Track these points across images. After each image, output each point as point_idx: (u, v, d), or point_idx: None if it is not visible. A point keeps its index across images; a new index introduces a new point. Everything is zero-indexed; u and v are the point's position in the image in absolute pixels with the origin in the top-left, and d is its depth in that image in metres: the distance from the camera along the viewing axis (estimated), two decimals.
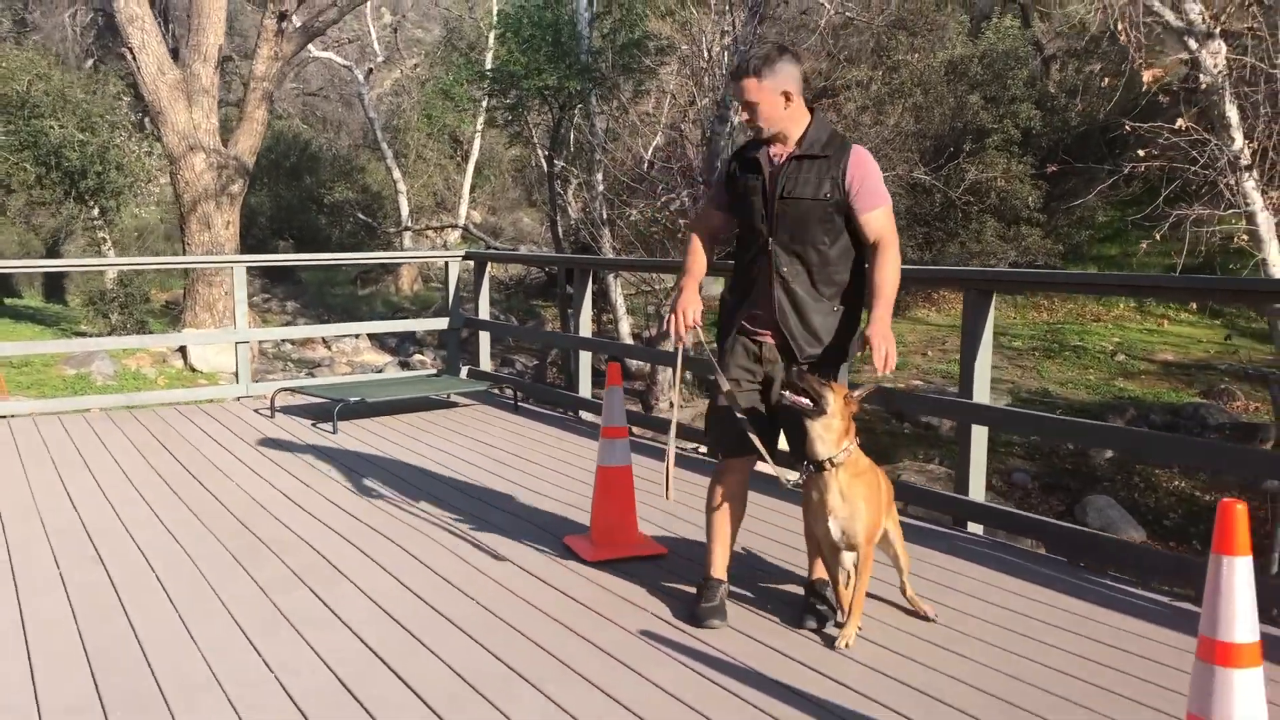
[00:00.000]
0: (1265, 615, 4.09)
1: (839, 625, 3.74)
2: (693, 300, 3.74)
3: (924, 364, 17.61)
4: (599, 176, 16.94)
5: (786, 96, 3.67)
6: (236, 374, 8.67)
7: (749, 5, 14.30)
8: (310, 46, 23.53)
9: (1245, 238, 9.04)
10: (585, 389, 7.88)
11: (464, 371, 9.19)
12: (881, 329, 3.53)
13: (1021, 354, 18.90)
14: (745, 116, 3.72)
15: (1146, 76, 9.04)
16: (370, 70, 28.21)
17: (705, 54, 15.85)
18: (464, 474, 6.11)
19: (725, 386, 3.79)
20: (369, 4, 25.69)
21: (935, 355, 18.64)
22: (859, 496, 3.56)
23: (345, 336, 19.72)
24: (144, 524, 5.11)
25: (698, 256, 3.91)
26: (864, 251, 3.73)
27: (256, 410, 8.12)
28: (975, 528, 4.97)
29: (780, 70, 3.66)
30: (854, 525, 3.56)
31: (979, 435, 4.90)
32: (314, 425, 7.54)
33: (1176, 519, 13.20)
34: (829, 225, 3.68)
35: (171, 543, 4.80)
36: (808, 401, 3.51)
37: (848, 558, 3.72)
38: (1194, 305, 17.74)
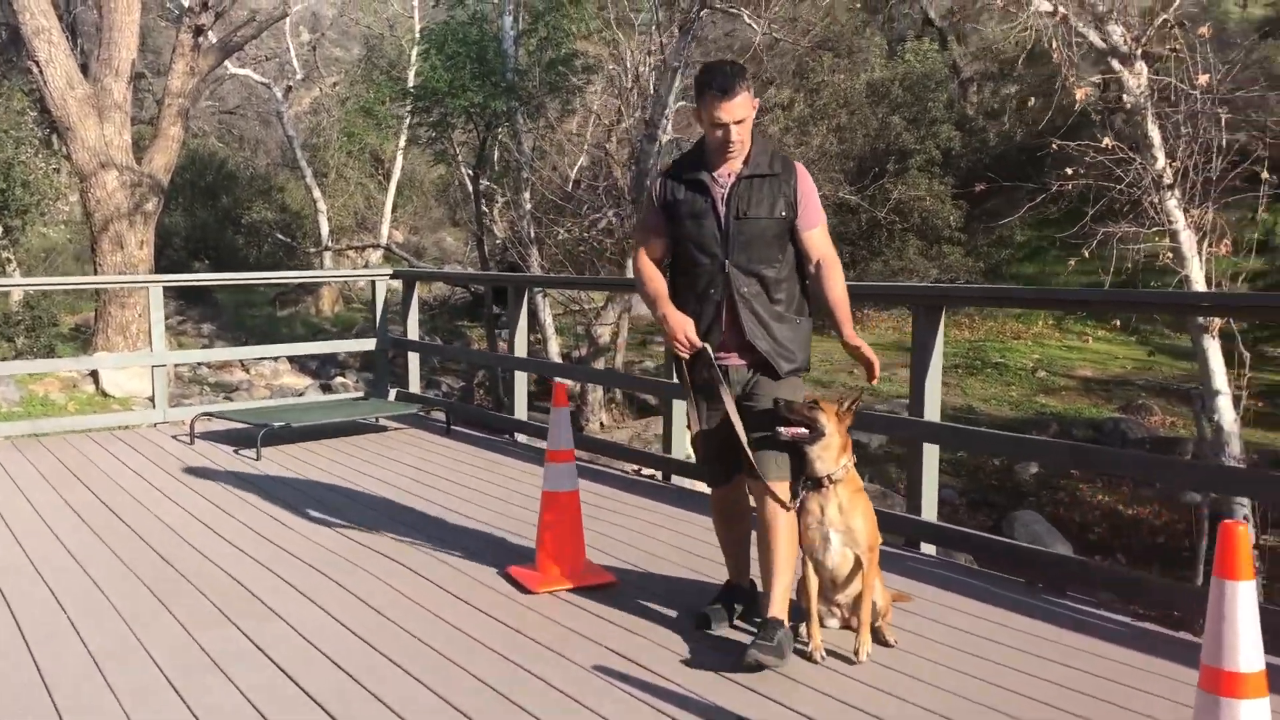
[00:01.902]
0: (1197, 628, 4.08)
1: (802, 653, 3.60)
2: (685, 319, 3.65)
3: (850, 382, 17.67)
4: (526, 195, 16.74)
5: (754, 109, 3.59)
6: (153, 399, 8.30)
7: (679, 25, 14.26)
8: (227, 63, 23.00)
9: (1170, 255, 9.17)
10: (521, 410, 7.68)
11: (392, 394, 8.92)
12: (857, 337, 3.62)
13: (944, 371, 19.05)
14: (724, 136, 3.54)
15: (1079, 94, 9.15)
16: (289, 88, 27.68)
17: (633, 73, 15.77)
18: (398, 501, 5.87)
19: (694, 428, 3.79)
20: (287, 21, 25.20)
21: (861, 374, 18.71)
22: (858, 510, 3.59)
23: (264, 359, 19.20)
24: (54, 560, 4.79)
25: (660, 282, 3.77)
26: (804, 267, 3.72)
27: (175, 437, 7.76)
28: (928, 548, 4.88)
29: (750, 82, 3.60)
30: (856, 536, 3.58)
31: (931, 454, 4.81)
32: (236, 452, 7.22)
33: (1100, 533, 13.37)
34: (781, 243, 3.65)
35: (85, 580, 4.50)
36: (804, 430, 3.54)
37: (841, 597, 3.71)
38: (1117, 323, 18.08)
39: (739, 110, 3.51)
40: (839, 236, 21.08)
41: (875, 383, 3.64)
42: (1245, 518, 9.55)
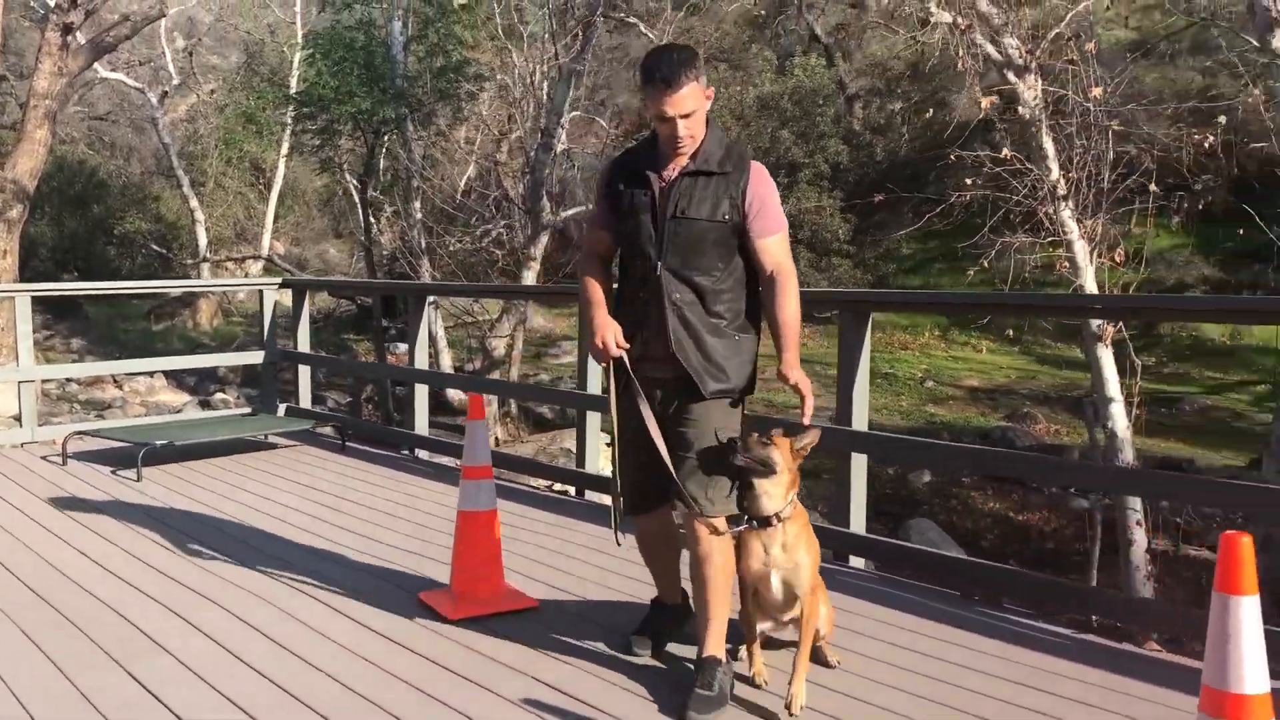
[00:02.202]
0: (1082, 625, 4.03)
1: (744, 677, 3.41)
2: (609, 322, 3.36)
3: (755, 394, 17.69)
4: (417, 204, 16.33)
5: (708, 99, 3.28)
6: (19, 417, 7.72)
7: (574, 34, 14.07)
8: (98, 66, 21.97)
9: (1066, 265, 9.32)
10: (422, 425, 7.35)
11: (281, 409, 8.48)
12: (796, 367, 3.27)
13: (836, 381, 19.23)
14: (670, 130, 3.23)
15: (985, 104, 9.24)
16: (165, 94, 26.63)
17: (526, 80, 15.53)
18: (295, 523, 5.50)
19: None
20: (163, 25, 24.23)
21: (764, 385, 18.76)
22: (802, 547, 3.31)
23: (139, 375, 18.32)
24: None
25: (596, 281, 3.49)
26: (756, 279, 3.40)
27: (45, 457, 7.21)
28: (857, 561, 4.75)
29: (703, 70, 3.27)
30: (798, 576, 3.30)
31: (859, 464, 4.69)
32: (114, 473, 6.72)
33: (992, 540, 13.59)
34: (724, 250, 3.32)
35: None
36: (756, 464, 3.25)
37: (788, 616, 3.45)
38: (1010, 333, 18.48)
39: (686, 103, 3.19)
40: None
41: (806, 421, 3.31)
42: (1138, 522, 9.75)
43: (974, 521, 14.33)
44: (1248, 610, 1.92)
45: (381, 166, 17.68)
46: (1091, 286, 9.48)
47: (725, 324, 3.34)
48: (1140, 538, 9.67)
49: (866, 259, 22.80)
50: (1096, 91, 8.96)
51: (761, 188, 3.32)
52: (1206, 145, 9.02)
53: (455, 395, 16.95)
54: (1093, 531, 10.79)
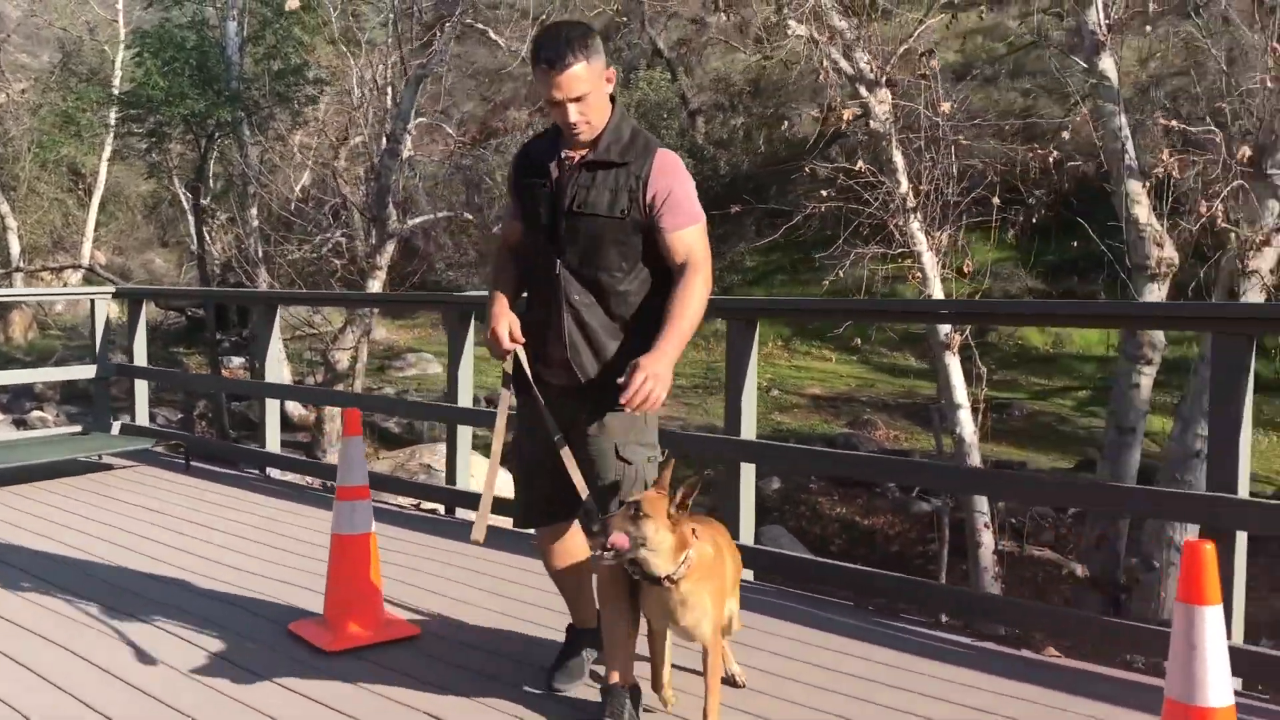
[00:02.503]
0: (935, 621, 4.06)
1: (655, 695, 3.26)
2: (504, 314, 3.11)
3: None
4: (253, 211, 15.64)
5: (608, 82, 3.05)
6: None
7: (421, 38, 13.73)
8: None
9: (918, 276, 9.54)
10: (274, 442, 6.95)
11: (116, 427, 7.90)
12: (656, 360, 2.87)
13: (685, 391, 19.42)
14: (562, 115, 2.98)
15: (846, 115, 9.38)
16: None
17: (369, 85, 15.06)
18: (143, 551, 5.07)
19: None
20: None
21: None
22: (704, 598, 2.99)
23: None
24: None
25: (504, 272, 3.26)
26: (669, 279, 3.07)
27: None
28: (746, 574, 4.67)
29: (599, 49, 3.02)
30: (700, 629, 3.01)
31: (748, 474, 4.61)
32: None
33: (841, 544, 13.83)
34: (625, 248, 3.05)
35: None
36: (625, 543, 2.85)
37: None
38: (858, 341, 18.94)
39: (576, 85, 2.92)
40: None
41: (631, 411, 2.88)
42: (985, 525, 10.06)
43: (823, 527, 14.58)
44: (1212, 621, 1.88)
45: (215, 172, 16.88)
46: (940, 297, 9.73)
47: (631, 330, 3.08)
48: (988, 539, 9.97)
49: (711, 272, 23.09)
50: (946, 107, 9.22)
51: (666, 178, 3.04)
52: (1051, 160, 9.39)
53: (295, 410, 16.30)
54: (941, 534, 11.08)
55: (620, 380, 2.86)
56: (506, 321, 3.10)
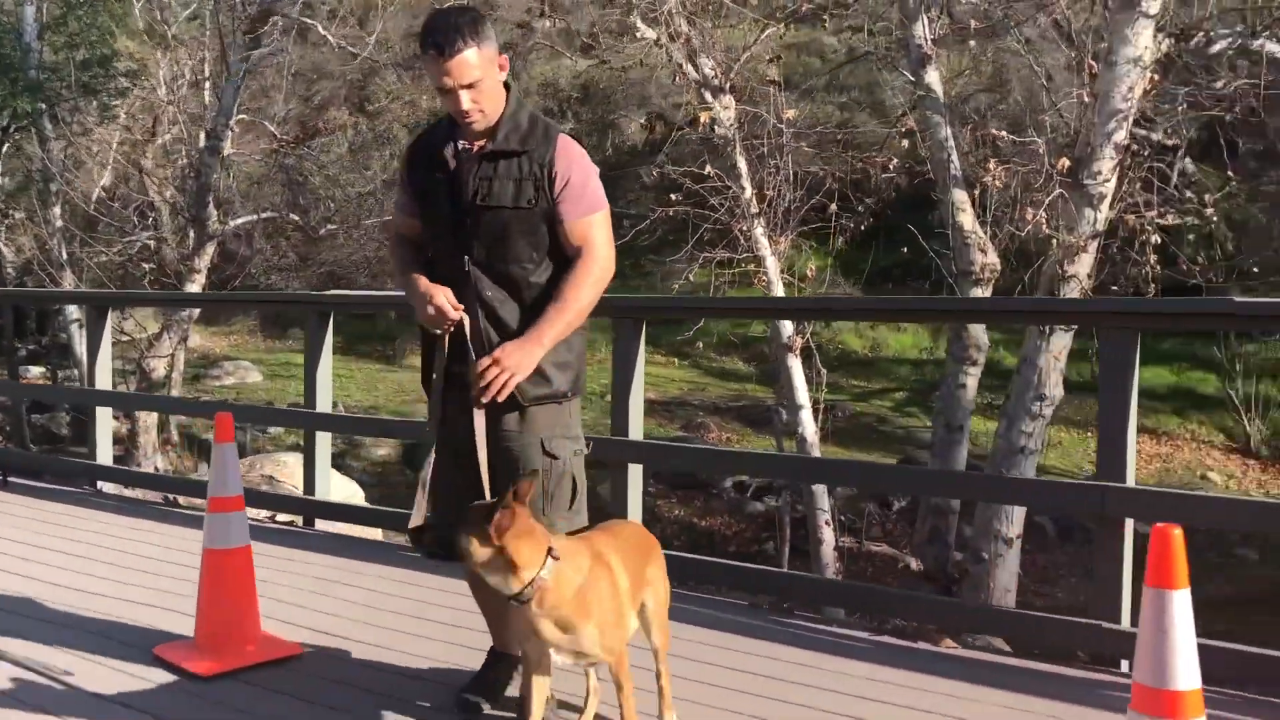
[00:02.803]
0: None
1: None
2: (438, 286, 2.92)
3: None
4: (56, 210, 14.61)
5: (501, 69, 2.93)
6: None
7: (244, 31, 13.10)
8: None
9: (764, 280, 9.70)
10: (105, 454, 6.45)
11: None
12: (517, 348, 2.83)
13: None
14: (453, 104, 2.87)
15: (704, 117, 9.43)
16: None
17: (183, 79, 14.29)
18: None
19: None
20: None
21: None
22: (584, 616, 2.68)
23: None
24: None
25: (412, 258, 3.08)
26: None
27: None
28: None
29: (491, 34, 2.89)
30: (590, 650, 2.73)
31: (635, 475, 4.54)
32: None
33: (681, 544, 13.93)
34: (534, 239, 2.95)
35: None
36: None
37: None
38: (699, 345, 19.14)
39: (468, 71, 2.81)
40: None
41: (477, 398, 2.84)
42: (826, 522, 10.31)
43: (662, 529, 14.66)
44: (1180, 604, 1.91)
45: (11, 167, 15.71)
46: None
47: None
48: (829, 536, 10.22)
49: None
50: (791, 113, 9.40)
51: (569, 165, 2.95)
52: (891, 167, 9.72)
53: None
54: (782, 532, 11.31)
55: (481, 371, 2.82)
56: (443, 292, 2.93)
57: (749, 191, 9.78)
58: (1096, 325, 3.47)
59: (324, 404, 5.45)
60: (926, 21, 10.73)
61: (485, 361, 2.80)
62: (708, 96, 9.67)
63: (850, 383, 20.02)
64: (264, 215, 15.05)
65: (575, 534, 2.90)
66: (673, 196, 9.41)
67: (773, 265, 9.88)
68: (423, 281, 2.97)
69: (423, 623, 3.99)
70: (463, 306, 2.94)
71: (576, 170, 2.97)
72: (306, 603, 4.25)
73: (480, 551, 2.59)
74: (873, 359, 21.07)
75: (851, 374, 20.38)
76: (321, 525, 5.59)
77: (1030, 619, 3.74)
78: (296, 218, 14.20)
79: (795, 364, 10.08)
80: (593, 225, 2.99)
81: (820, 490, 10.19)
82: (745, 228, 9.73)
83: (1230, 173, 12.53)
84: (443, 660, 3.62)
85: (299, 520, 5.68)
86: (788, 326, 10.09)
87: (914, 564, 10.98)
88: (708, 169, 9.17)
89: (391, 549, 5.22)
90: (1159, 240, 9.43)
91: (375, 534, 6.44)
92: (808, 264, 9.71)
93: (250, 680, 3.43)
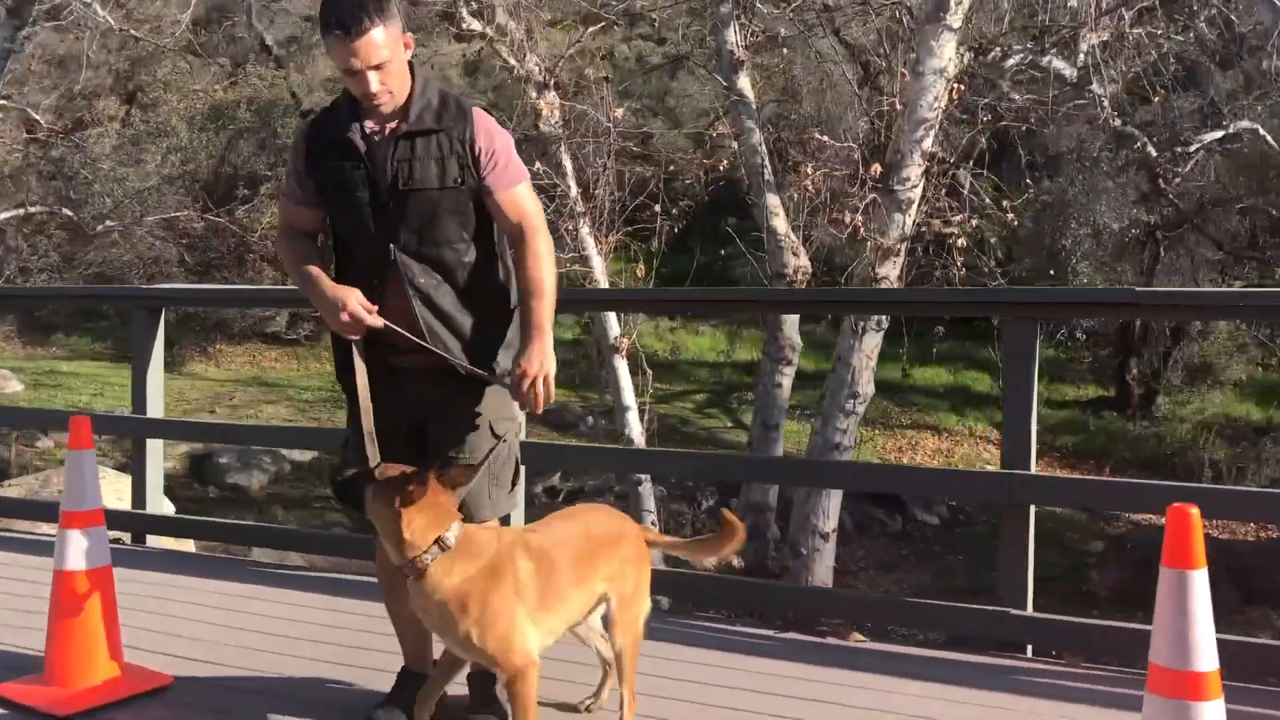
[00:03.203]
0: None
1: None
2: (348, 289, 2.76)
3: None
4: None
5: (407, 47, 2.78)
6: None
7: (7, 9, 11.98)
8: None
9: (595, 280, 9.62)
10: None
11: None
12: (537, 355, 2.73)
13: (314, 405, 18.56)
14: (360, 86, 2.70)
15: (545, 110, 9.22)
16: None
17: None
18: None
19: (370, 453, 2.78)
20: None
21: (224, 412, 17.46)
22: (461, 611, 2.57)
23: None
24: None
25: (309, 254, 2.88)
26: (504, 241, 2.94)
27: None
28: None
29: (395, 12, 2.73)
30: (464, 647, 2.62)
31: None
32: None
33: None
34: (464, 218, 2.84)
35: None
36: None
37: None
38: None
39: (375, 52, 2.67)
40: (195, 265, 19.40)
41: (538, 410, 2.79)
42: (653, 523, 10.29)
43: None
44: (1200, 585, 1.91)
45: None
46: None
47: (479, 300, 2.88)
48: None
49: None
50: (619, 112, 9.36)
51: (490, 138, 2.84)
52: (721, 168, 9.81)
53: None
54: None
55: (507, 382, 2.76)
56: (355, 296, 2.77)
57: (574, 190, 9.68)
58: (999, 316, 3.53)
59: (155, 409, 4.96)
60: (738, 28, 10.92)
61: (527, 382, 2.71)
62: (532, 93, 9.51)
63: (654, 385, 20.22)
64: (31, 209, 13.85)
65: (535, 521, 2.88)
66: None
67: (599, 265, 9.81)
68: (328, 284, 2.80)
69: (296, 642, 3.67)
70: (376, 308, 2.79)
71: (499, 142, 2.86)
72: (167, 627, 3.82)
73: (377, 509, 2.60)
74: (674, 361, 21.36)
75: (656, 376, 20.59)
76: (154, 541, 5.09)
77: (935, 608, 3.78)
78: (70, 213, 13.10)
79: (621, 365, 10.05)
80: (524, 196, 2.91)
81: (646, 490, 10.21)
82: (571, 226, 9.62)
83: (1003, 183, 13.34)
84: (331, 678, 3.34)
85: (127, 537, 5.15)
86: (614, 327, 10.06)
87: (735, 561, 11.11)
88: (536, 165, 9.00)
89: (238, 564, 4.82)
90: (964, 244, 9.91)
91: (213, 548, 5.96)
92: (636, 266, 9.68)
93: (115, 716, 3.05)
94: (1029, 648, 3.43)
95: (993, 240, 13.96)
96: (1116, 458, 17.87)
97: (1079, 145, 16.62)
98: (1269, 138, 11.94)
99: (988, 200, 10.06)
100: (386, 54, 2.69)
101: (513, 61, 9.25)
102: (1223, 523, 13.01)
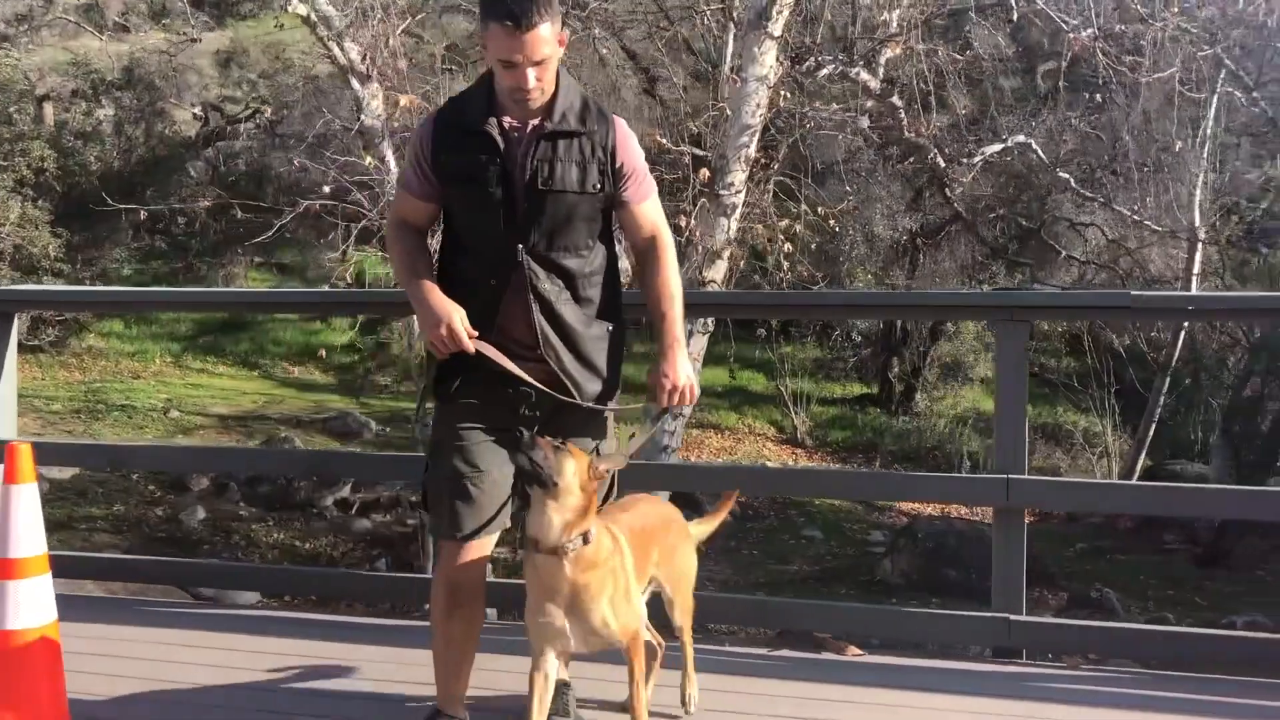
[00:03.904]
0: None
1: None
2: (453, 305, 2.65)
3: None
4: None
5: (561, 44, 2.67)
6: None
7: None
8: None
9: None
10: None
11: None
12: (677, 365, 2.78)
13: (64, 417, 17.07)
14: (516, 81, 2.60)
15: (403, 101, 8.65)
16: None
17: None
18: None
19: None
20: None
21: None
22: (600, 596, 2.66)
23: None
24: None
25: (421, 257, 2.75)
26: (614, 254, 2.92)
27: None
28: None
29: (558, 8, 2.65)
30: (599, 626, 2.68)
31: None
32: None
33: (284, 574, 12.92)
34: (593, 225, 2.80)
35: None
36: (540, 467, 2.58)
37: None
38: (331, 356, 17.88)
39: (539, 47, 2.58)
40: None
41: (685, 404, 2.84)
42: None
43: (261, 554, 13.57)
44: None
45: None
46: None
47: (596, 314, 2.82)
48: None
49: (82, 279, 20.41)
50: (405, 100, 8.95)
51: (632, 147, 2.82)
52: None
53: None
54: (424, 546, 10.78)
55: (652, 403, 2.81)
56: (459, 315, 2.65)
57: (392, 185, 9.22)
58: (992, 319, 3.55)
59: (7, 429, 4.28)
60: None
61: (675, 393, 2.77)
62: (354, 84, 9.00)
63: None
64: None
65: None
66: (325, 189, 8.63)
67: None
68: (437, 295, 2.71)
69: (254, 692, 3.24)
70: (476, 333, 2.67)
71: (636, 153, 2.85)
72: (99, 689, 3.26)
73: (571, 479, 2.57)
74: None
75: None
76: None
77: (931, 617, 3.75)
78: None
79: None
80: (657, 209, 2.90)
81: None
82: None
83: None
84: None
85: None
86: None
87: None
88: (368, 160, 8.52)
89: (150, 610, 4.18)
90: (789, 249, 10.14)
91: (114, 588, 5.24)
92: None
93: None
94: (1024, 652, 3.44)
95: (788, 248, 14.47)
96: (883, 451, 18.93)
97: (852, 155, 17.50)
98: (1039, 151, 12.89)
99: (805, 207, 10.34)
100: (549, 51, 2.63)
101: (335, 51, 8.71)
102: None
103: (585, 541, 2.63)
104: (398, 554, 13.63)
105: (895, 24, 11.26)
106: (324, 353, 18.33)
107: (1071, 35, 10.02)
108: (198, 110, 21.81)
